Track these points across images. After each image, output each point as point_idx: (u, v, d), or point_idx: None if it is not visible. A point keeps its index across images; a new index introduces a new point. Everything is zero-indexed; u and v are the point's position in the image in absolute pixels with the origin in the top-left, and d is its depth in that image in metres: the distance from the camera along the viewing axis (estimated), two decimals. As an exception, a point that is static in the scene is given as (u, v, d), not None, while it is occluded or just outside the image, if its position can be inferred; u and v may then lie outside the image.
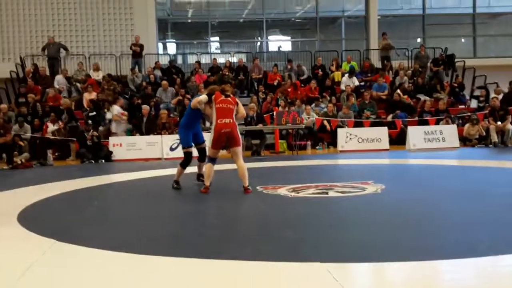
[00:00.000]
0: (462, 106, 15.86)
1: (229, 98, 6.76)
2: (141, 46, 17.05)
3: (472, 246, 3.65)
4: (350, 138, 13.16)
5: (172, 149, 12.58)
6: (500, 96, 14.43)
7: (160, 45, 20.59)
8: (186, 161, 7.28)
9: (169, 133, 13.11)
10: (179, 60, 20.51)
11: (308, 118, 14.01)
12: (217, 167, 7.99)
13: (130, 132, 13.60)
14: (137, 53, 16.98)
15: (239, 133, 6.80)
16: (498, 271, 3.16)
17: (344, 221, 4.90)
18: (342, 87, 16.06)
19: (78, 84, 15.89)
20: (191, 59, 19.84)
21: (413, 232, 4.24)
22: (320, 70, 17.17)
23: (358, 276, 3.22)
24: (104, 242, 4.06)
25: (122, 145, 12.63)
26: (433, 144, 12.92)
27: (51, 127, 13.33)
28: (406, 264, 3.32)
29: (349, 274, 3.22)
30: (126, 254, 3.70)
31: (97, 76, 16.34)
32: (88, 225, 4.95)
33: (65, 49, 17.20)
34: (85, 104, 14.74)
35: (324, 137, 14.13)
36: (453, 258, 3.38)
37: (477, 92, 15.96)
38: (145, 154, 12.55)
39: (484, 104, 14.83)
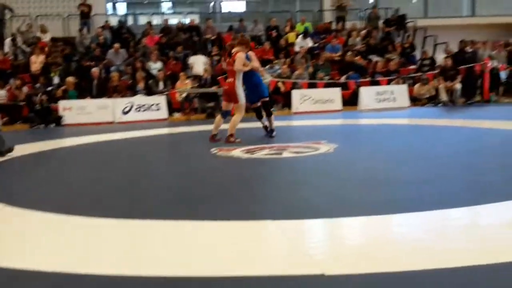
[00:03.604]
0: (413, 66, 16.15)
1: (231, 59, 7.51)
2: (89, 6, 16.43)
3: (421, 201, 3.77)
4: (305, 100, 13.25)
5: (125, 113, 12.35)
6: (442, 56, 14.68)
7: (110, 5, 19.88)
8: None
9: (121, 96, 12.82)
10: (130, 21, 19.91)
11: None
12: (176, 129, 7.94)
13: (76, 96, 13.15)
14: (85, 14, 16.36)
15: (239, 91, 7.45)
16: (445, 224, 3.29)
17: (297, 180, 4.97)
18: (297, 48, 16.03)
19: (23, 47, 15.21)
20: (142, 20, 19.29)
21: (363, 189, 4.35)
22: (274, 31, 17.04)
23: (309, 231, 3.29)
24: (53, 206, 3.98)
25: (72, 109, 12.29)
26: (385, 104, 13.18)
27: (-3, 91, 12.81)
28: (357, 219, 3.41)
29: (300, 229, 3.28)
30: (77, 217, 3.65)
31: (45, 38, 15.70)
32: (38, 190, 4.85)
33: (10, 10, 16.36)
34: (32, 68, 14.17)
35: (278, 98, 14.15)
36: (402, 212, 3.49)
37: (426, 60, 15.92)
38: (96, 118, 12.24)
39: (431, 65, 14.97)
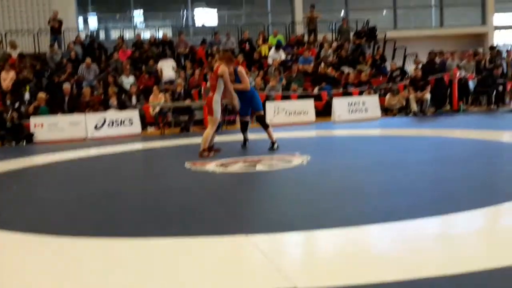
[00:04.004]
0: (384, 77, 16.42)
1: (213, 74, 7.40)
2: (60, 22, 16.29)
3: (392, 212, 3.83)
4: (278, 112, 13.33)
5: (97, 128, 12.23)
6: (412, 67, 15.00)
7: (81, 20, 19.78)
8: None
9: (93, 112, 12.71)
10: (101, 35, 19.83)
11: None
12: (150, 144, 7.88)
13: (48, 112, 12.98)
14: (56, 29, 16.22)
15: (215, 105, 7.29)
16: (416, 234, 3.34)
17: (270, 193, 5.01)
18: (270, 60, 16.16)
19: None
20: (114, 34, 19.25)
21: (335, 201, 4.40)
22: (247, 43, 17.16)
23: (283, 245, 3.31)
24: (24, 225, 3.92)
25: (44, 126, 12.12)
26: (357, 114, 13.35)
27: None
28: (329, 231, 3.44)
29: (274, 244, 3.30)
30: (48, 236, 3.61)
31: (15, 54, 15.50)
32: (9, 209, 4.77)
33: (-21, 26, 16.13)
34: (3, 85, 13.95)
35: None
36: (374, 223, 3.54)
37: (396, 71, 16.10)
38: (68, 134, 12.10)
39: (401, 76, 15.26)
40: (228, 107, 11.73)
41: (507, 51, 17.21)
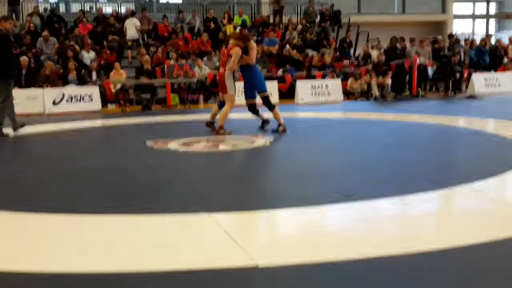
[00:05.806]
0: (347, 61, 16.60)
1: (226, 51, 7.38)
2: (18, -8, 15.74)
3: (352, 192, 3.91)
4: (242, 93, 13.28)
5: (55, 104, 11.92)
6: (375, 52, 15.23)
7: (40, -8, 19.10)
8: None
9: (51, 86, 12.36)
10: (62, 8, 19.23)
11: (200, 71, 13.91)
12: (111, 122, 7.71)
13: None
14: (14, 0, 15.65)
15: (228, 81, 7.32)
16: (375, 214, 3.43)
17: (232, 173, 5.02)
18: (234, 40, 16.06)
19: None
20: (75, 8, 18.70)
21: (296, 181, 4.46)
22: (212, 23, 16.98)
23: (245, 224, 3.35)
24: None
25: (0, 100, 11.71)
26: (320, 98, 13.48)
27: None
28: (290, 210, 3.50)
29: (236, 222, 3.33)
30: (4, 212, 3.53)
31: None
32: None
33: None
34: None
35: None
36: (334, 203, 3.61)
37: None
38: (25, 109, 11.72)
39: (367, 60, 15.50)
40: None
41: (465, 39, 17.66)
